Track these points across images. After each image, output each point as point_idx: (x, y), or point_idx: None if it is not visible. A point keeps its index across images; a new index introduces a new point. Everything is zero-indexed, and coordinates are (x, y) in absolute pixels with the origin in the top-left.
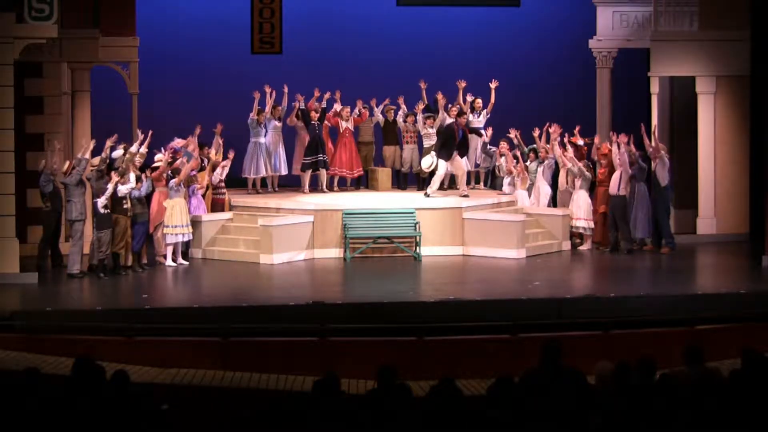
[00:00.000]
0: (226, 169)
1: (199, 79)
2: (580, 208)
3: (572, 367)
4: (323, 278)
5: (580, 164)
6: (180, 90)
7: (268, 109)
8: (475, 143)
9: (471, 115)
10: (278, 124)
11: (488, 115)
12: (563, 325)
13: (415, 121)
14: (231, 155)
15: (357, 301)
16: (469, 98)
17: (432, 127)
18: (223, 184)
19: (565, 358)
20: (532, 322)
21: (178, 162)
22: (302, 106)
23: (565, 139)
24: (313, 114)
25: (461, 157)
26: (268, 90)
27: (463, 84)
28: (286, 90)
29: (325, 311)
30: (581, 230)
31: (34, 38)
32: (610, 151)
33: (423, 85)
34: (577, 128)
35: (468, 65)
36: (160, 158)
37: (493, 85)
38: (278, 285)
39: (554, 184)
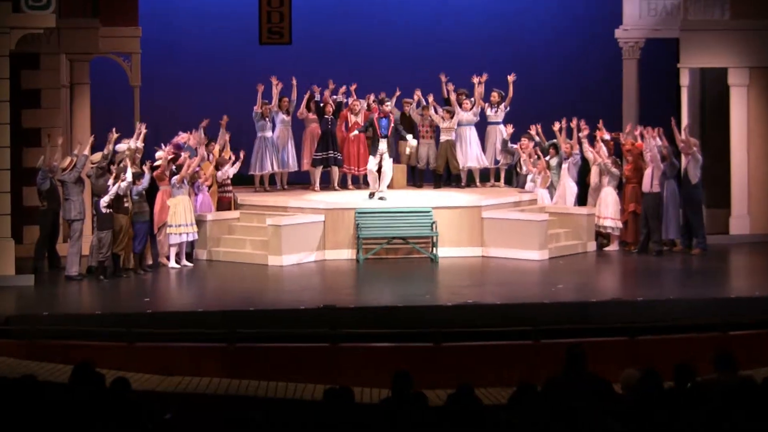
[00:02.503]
0: (235, 168)
1: (204, 71)
2: (608, 206)
3: (598, 374)
4: (334, 281)
5: (608, 160)
6: (184, 83)
7: (274, 101)
8: (493, 138)
9: (489, 110)
10: (287, 117)
11: (507, 109)
12: (588, 331)
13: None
14: (242, 155)
15: (370, 305)
16: (478, 89)
17: (451, 120)
18: (229, 182)
19: (590, 365)
20: (556, 327)
21: (182, 158)
22: (317, 98)
23: (598, 135)
24: (328, 108)
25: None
26: (274, 82)
27: (477, 78)
28: (294, 82)
29: (336, 316)
30: (608, 230)
31: (31, 28)
32: (635, 145)
33: (444, 78)
34: (602, 122)
35: (487, 56)
36: (162, 155)
37: (511, 78)
38: (287, 288)
39: (580, 182)
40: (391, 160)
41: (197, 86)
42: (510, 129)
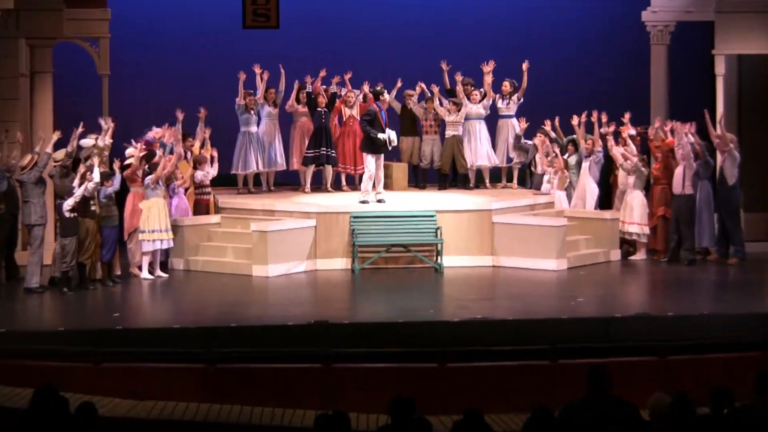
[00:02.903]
0: (214, 170)
1: (181, 58)
2: (634, 210)
3: (622, 398)
4: (327, 293)
5: (635, 159)
6: (159, 71)
7: (260, 92)
8: (505, 134)
9: (500, 101)
10: (273, 110)
11: (520, 101)
12: (612, 350)
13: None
14: (215, 153)
15: (367, 320)
16: (487, 79)
17: (457, 114)
18: (208, 183)
19: (614, 388)
20: (575, 345)
21: (156, 157)
22: (308, 88)
23: (621, 131)
24: (320, 99)
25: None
26: (258, 71)
27: (486, 66)
28: (282, 71)
29: (329, 332)
30: (634, 236)
31: None
32: (665, 141)
33: (445, 67)
34: (627, 116)
35: (498, 41)
36: (133, 152)
37: (525, 66)
38: (274, 301)
39: (603, 183)
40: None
41: (173, 75)
42: (524, 123)
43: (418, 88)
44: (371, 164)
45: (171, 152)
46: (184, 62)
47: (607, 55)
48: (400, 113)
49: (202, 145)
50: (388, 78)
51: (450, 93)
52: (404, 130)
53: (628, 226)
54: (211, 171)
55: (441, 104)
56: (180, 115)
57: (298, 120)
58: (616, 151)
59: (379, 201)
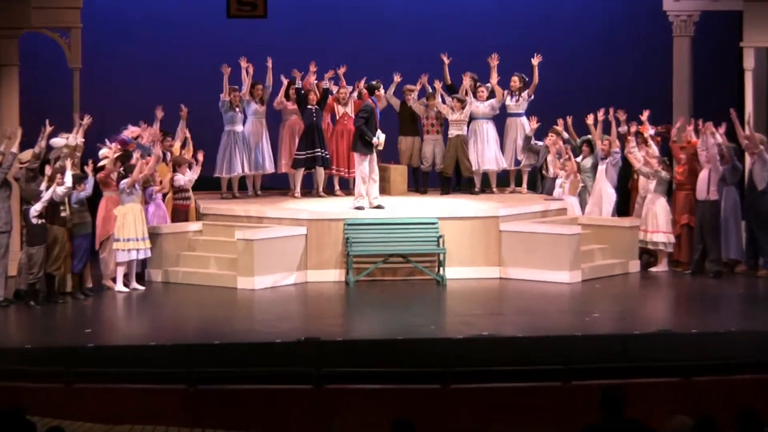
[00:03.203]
0: (195, 174)
1: (160, 50)
2: (656, 217)
3: (641, 422)
4: (319, 308)
5: (655, 162)
6: (135, 65)
7: (246, 88)
8: (514, 134)
9: (508, 98)
10: (260, 108)
11: (530, 98)
12: (630, 370)
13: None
14: (201, 157)
15: (362, 337)
16: (494, 75)
17: (461, 111)
18: (189, 187)
19: (633, 410)
20: (590, 365)
21: (133, 159)
22: (298, 84)
23: (641, 130)
24: (311, 96)
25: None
26: (243, 64)
27: (494, 61)
28: (270, 64)
29: (321, 351)
30: (660, 246)
31: None
32: (690, 143)
33: (446, 60)
34: (646, 114)
35: (505, 35)
36: (107, 153)
37: (535, 60)
38: (261, 317)
39: (620, 187)
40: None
41: (151, 69)
42: (534, 123)
43: (418, 84)
44: (364, 166)
45: (149, 154)
46: (163, 55)
47: (625, 47)
48: (399, 111)
49: (183, 146)
50: (386, 72)
51: (451, 89)
52: (403, 130)
53: (651, 235)
54: (189, 173)
55: (444, 101)
56: (159, 114)
57: (288, 118)
58: (635, 154)
59: (377, 207)
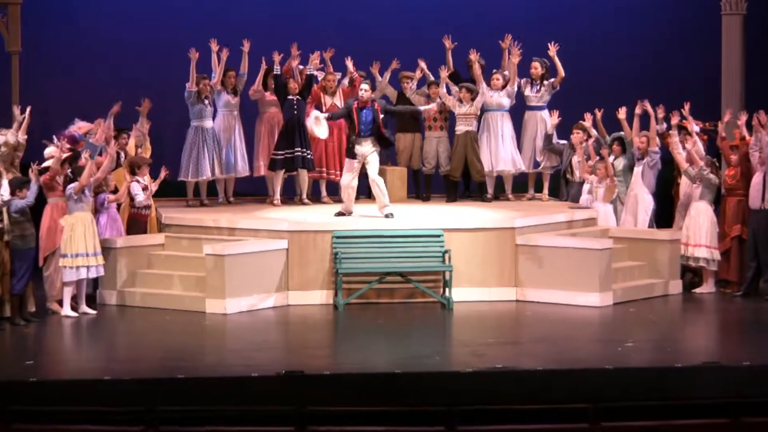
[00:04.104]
0: (154, 186)
1: (115, 31)
2: (700, 228)
3: None
4: (302, 336)
5: (701, 162)
6: (85, 48)
7: (217, 76)
8: (533, 131)
9: (528, 89)
10: (233, 99)
11: (555, 90)
12: (670, 409)
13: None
14: (163, 174)
15: (353, 371)
16: (512, 60)
17: (471, 104)
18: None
19: None
20: (623, 404)
21: (82, 159)
22: (278, 70)
23: (684, 125)
24: (292, 84)
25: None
26: (214, 47)
27: (505, 43)
28: (246, 49)
29: (304, 386)
30: (701, 263)
31: None
32: (743, 140)
33: (448, 44)
34: (687, 106)
35: (521, 16)
36: (53, 153)
37: (552, 50)
38: (234, 346)
39: (660, 192)
40: (377, 165)
41: (105, 53)
42: (555, 118)
43: (418, 71)
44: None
45: (100, 154)
46: (120, 36)
47: (664, 28)
48: (395, 102)
49: (140, 146)
50: (382, 58)
51: (455, 78)
52: (401, 125)
53: (693, 249)
54: (146, 191)
55: (449, 92)
56: (115, 109)
57: (266, 111)
58: (679, 150)
59: (387, 216)
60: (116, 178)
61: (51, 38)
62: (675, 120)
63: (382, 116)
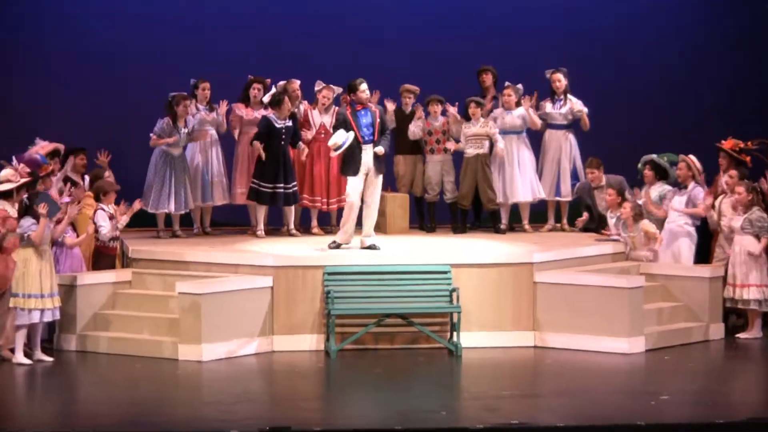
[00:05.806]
0: (124, 219)
1: (80, 34)
2: (746, 265)
3: None
4: (289, 387)
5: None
6: (52, 54)
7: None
8: (557, 153)
9: (549, 105)
10: (209, 117)
11: (583, 111)
12: None
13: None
14: (137, 206)
15: (348, 426)
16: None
17: (481, 122)
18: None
19: None
20: None
21: (41, 207)
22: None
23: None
24: (285, 105)
25: None
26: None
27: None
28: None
29: None
30: (752, 305)
31: None
32: None
33: (452, 111)
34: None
35: (544, 23)
36: (9, 176)
37: (526, 104)
38: (211, 398)
39: (702, 226)
40: (380, 183)
41: (72, 60)
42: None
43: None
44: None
45: (57, 209)
46: (85, 42)
47: (705, 35)
48: (394, 119)
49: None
50: (383, 72)
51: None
52: (400, 146)
53: (740, 290)
54: (111, 224)
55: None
56: (70, 162)
57: (247, 132)
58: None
59: (370, 247)
60: (80, 224)
61: (11, 41)
62: (729, 144)
63: (379, 120)
